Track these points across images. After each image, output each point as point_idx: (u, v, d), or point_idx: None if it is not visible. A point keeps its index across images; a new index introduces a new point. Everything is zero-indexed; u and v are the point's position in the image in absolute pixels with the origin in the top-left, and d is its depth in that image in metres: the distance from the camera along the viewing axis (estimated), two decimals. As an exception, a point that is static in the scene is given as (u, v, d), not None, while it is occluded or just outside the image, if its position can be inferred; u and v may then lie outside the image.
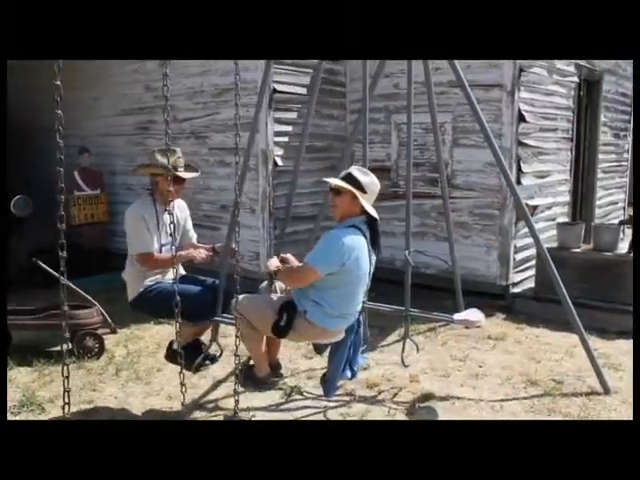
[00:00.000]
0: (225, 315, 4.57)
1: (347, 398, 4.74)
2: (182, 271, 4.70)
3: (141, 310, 4.65)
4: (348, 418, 4.40)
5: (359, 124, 5.58)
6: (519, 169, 7.12)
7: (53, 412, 4.40)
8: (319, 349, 4.47)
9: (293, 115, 7.60)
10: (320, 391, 4.80)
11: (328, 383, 4.17)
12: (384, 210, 7.70)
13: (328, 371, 4.21)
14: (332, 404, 4.63)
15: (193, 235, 4.87)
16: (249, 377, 4.33)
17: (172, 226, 4.30)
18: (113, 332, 5.87)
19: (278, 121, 7.37)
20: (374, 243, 3.95)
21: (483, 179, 7.16)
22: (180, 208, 4.71)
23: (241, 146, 7.45)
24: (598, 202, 9.72)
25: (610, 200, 10.44)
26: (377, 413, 4.48)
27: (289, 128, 7.55)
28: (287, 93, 7.47)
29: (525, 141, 7.21)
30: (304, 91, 7.59)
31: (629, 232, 6.85)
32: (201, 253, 4.46)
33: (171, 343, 4.61)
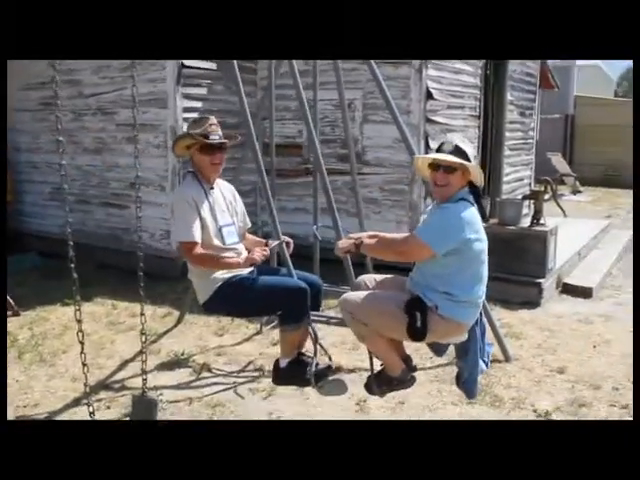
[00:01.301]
0: (317, 314, 3.97)
1: (256, 374, 4.76)
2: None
3: (221, 311, 3.97)
4: (257, 394, 4.43)
5: (265, 101, 5.54)
6: (427, 145, 7.26)
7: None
8: (439, 350, 3.75)
9: (203, 91, 7.48)
10: (229, 367, 4.82)
11: (469, 384, 3.56)
12: (297, 187, 7.80)
13: (464, 371, 3.57)
14: (241, 380, 4.65)
15: (248, 222, 4.03)
16: (384, 382, 3.62)
17: (228, 206, 3.76)
18: (16, 315, 5.69)
19: (187, 97, 7.24)
20: (481, 212, 3.42)
21: (392, 155, 7.27)
22: (226, 187, 3.92)
23: (150, 122, 7.39)
24: (505, 178, 10.03)
25: (517, 177, 10.79)
26: (286, 387, 4.50)
27: (199, 104, 7.43)
28: (196, 68, 7.33)
29: (433, 118, 7.35)
30: (214, 66, 7.47)
31: (533, 207, 7.09)
32: (261, 254, 3.56)
33: (276, 363, 3.84)
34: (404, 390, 3.71)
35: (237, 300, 3.53)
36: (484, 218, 3.43)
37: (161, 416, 4.01)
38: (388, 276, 3.64)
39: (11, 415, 4.14)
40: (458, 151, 3.30)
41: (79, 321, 2.94)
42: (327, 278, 5.19)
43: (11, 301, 5.60)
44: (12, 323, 5.71)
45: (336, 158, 7.55)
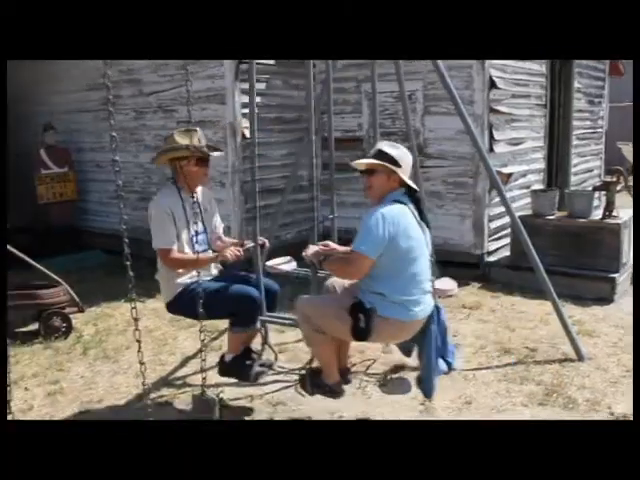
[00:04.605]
0: (272, 315, 4.16)
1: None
2: (218, 266, 4.19)
3: (180, 313, 4.17)
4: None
5: (323, 95, 5.43)
6: (491, 136, 7.04)
7: (16, 394, 4.28)
8: (406, 350, 3.93)
9: (261, 86, 7.43)
10: (291, 365, 4.75)
11: (425, 383, 3.67)
12: (357, 181, 7.66)
13: (421, 371, 3.72)
14: (303, 378, 4.56)
15: (220, 225, 4.29)
16: (317, 384, 3.80)
17: (202, 215, 3.98)
18: (81, 311, 5.74)
19: (246, 92, 7.18)
20: (420, 214, 3.58)
21: (455, 147, 7.07)
22: (204, 194, 4.15)
23: (209, 119, 7.39)
24: (573, 169, 9.68)
25: (586, 167, 10.41)
26: (348, 385, 4.40)
27: (257, 99, 7.35)
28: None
29: (497, 108, 7.12)
30: (272, 61, 7.41)
31: (604, 198, 6.79)
32: (233, 252, 3.84)
33: (222, 357, 4.12)
34: (469, 390, 3.59)
35: (193, 305, 3.61)
36: (427, 222, 3.62)
37: (221, 414, 3.98)
38: (355, 281, 3.67)
39: (76, 410, 4.17)
40: (380, 154, 3.51)
41: (136, 319, 2.94)
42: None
43: (76, 297, 5.67)
44: (77, 319, 5.78)
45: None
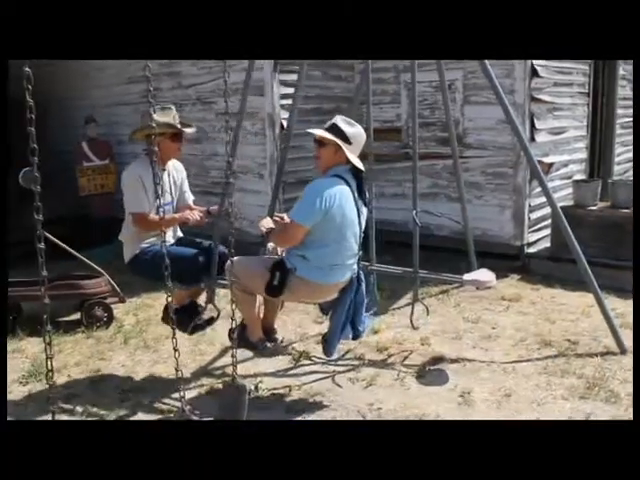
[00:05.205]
0: (219, 278, 4.46)
1: (356, 362, 4.67)
2: (179, 233, 4.70)
3: (136, 272, 4.57)
4: (357, 383, 4.34)
5: (362, 85, 5.40)
6: (533, 126, 6.92)
7: (59, 380, 4.38)
8: (324, 310, 4.34)
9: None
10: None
11: (327, 343, 4.05)
12: (396, 172, 7.63)
13: (328, 331, 4.09)
14: (341, 369, 4.57)
15: (189, 197, 4.74)
16: (242, 339, 4.13)
17: (171, 186, 4.48)
18: (122, 301, 5.84)
19: (284, 84, 7.20)
20: (360, 192, 3.84)
21: (496, 137, 6.97)
22: (177, 169, 4.64)
23: (248, 110, 7.41)
24: (617, 159, 9.45)
25: (629, 157, 10.15)
26: (386, 377, 4.40)
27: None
28: (293, 54, 7.27)
29: (539, 96, 6.99)
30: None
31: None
32: (194, 215, 4.40)
33: (167, 306, 4.43)
34: (509, 383, 3.53)
35: (147, 266, 4.26)
36: (366, 200, 3.93)
37: (258, 403, 4.01)
38: None
39: (116, 399, 4.24)
40: (334, 128, 3.72)
41: (166, 308, 2.95)
42: (426, 265, 5.03)
43: (117, 288, 5.76)
44: (118, 309, 5.88)
45: (436, 141, 7.33)
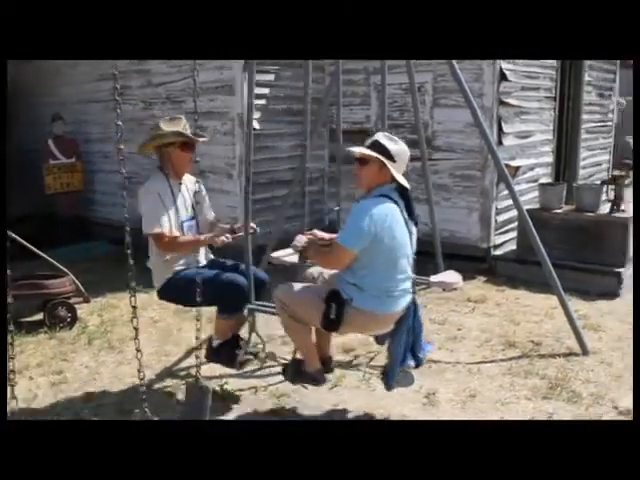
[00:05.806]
0: (261, 304, 4.20)
1: (322, 363, 4.66)
2: (210, 255, 4.38)
3: (169, 300, 4.25)
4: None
5: (332, 86, 5.41)
6: (500, 129, 7.00)
7: (21, 383, 4.30)
8: (380, 339, 3.94)
9: (270, 77, 7.42)
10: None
11: (387, 376, 3.74)
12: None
13: (387, 362, 3.78)
14: (307, 370, 4.56)
15: (211, 213, 4.37)
16: (298, 373, 3.84)
17: (192, 200, 4.13)
18: (86, 301, 5.75)
19: (256, 83, 7.16)
20: (409, 212, 3.56)
21: (464, 140, 7.03)
22: (192, 183, 4.16)
23: (218, 110, 7.38)
24: (582, 163, 9.61)
25: (594, 161, 10.33)
26: (352, 378, 4.41)
27: (266, 90, 7.38)
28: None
29: (506, 100, 7.07)
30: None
31: (612, 193, 6.73)
32: (224, 238, 3.95)
33: (210, 341, 4.23)
34: (474, 383, 3.58)
35: (181, 291, 3.86)
36: (414, 218, 3.60)
37: (222, 405, 3.99)
38: (334, 272, 3.76)
39: (79, 401, 4.18)
40: (377, 146, 3.46)
41: (134, 307, 2.98)
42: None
43: (81, 288, 5.68)
44: (82, 310, 5.80)
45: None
